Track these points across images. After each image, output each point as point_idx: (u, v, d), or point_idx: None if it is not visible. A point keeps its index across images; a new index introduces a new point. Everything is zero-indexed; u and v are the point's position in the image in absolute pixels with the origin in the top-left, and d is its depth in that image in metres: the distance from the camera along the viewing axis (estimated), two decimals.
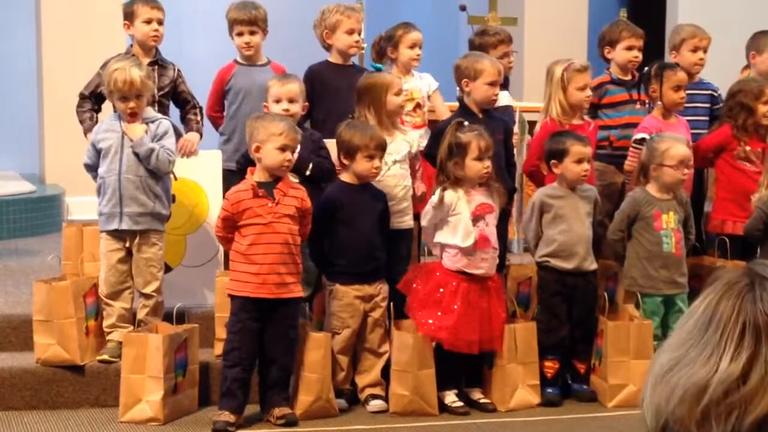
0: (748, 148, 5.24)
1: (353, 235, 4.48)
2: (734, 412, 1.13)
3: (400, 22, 5.34)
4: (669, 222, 4.81)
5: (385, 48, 5.26)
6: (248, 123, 4.37)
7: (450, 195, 4.45)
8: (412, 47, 5.20)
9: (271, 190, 4.26)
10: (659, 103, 5.17)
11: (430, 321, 4.43)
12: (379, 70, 5.03)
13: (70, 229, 5.02)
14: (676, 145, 4.77)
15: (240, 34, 5.11)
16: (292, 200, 4.30)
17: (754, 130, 5.26)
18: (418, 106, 5.20)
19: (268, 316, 4.24)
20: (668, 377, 1.19)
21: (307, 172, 4.57)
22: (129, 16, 4.97)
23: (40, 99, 7.44)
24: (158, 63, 4.96)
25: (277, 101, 4.62)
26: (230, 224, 4.29)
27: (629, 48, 5.39)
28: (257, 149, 4.24)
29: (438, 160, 4.51)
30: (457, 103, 5.15)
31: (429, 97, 5.34)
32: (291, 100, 4.63)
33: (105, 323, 4.57)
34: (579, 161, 4.65)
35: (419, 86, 5.26)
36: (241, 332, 4.22)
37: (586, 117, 5.11)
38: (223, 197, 4.86)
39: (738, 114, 5.25)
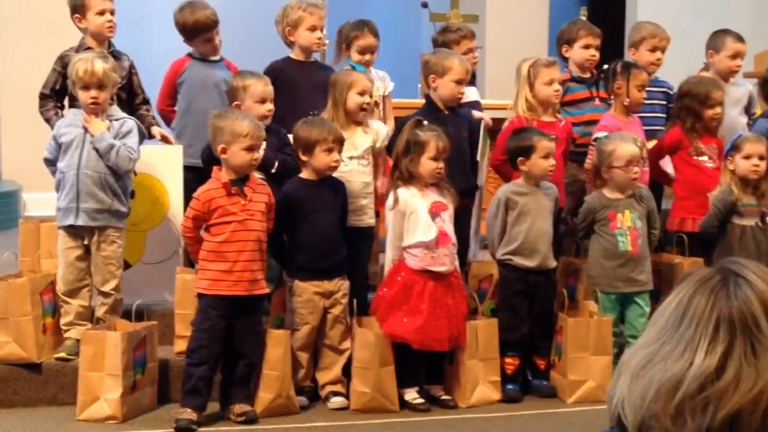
0: (701, 144, 5.30)
1: (312, 232, 4.47)
2: (709, 407, 1.13)
3: (359, 21, 5.29)
4: (624, 221, 4.84)
5: (339, 43, 5.26)
6: (211, 122, 4.34)
7: (404, 192, 4.46)
8: (362, 53, 5.18)
9: (242, 187, 4.25)
10: (627, 100, 5.19)
11: (400, 322, 4.42)
12: (354, 69, 5.00)
13: (27, 225, 4.96)
14: (621, 146, 4.79)
15: (209, 40, 5.11)
16: (262, 196, 4.30)
17: (704, 130, 5.32)
18: (375, 104, 5.19)
19: (237, 312, 4.23)
20: (643, 373, 1.19)
21: (273, 170, 4.55)
22: (80, 8, 4.90)
23: None
24: (113, 55, 4.91)
25: (263, 101, 4.61)
26: (200, 224, 4.27)
27: (586, 47, 5.43)
28: (223, 150, 4.22)
29: (393, 155, 4.52)
30: (417, 100, 5.14)
31: (383, 97, 5.33)
32: (272, 101, 4.66)
33: (62, 321, 4.52)
34: (546, 156, 4.66)
35: (376, 85, 5.25)
36: (210, 330, 4.20)
37: (558, 115, 5.12)
38: (184, 193, 4.86)
39: (686, 117, 5.31)
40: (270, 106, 4.63)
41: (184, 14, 5.14)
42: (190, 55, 5.20)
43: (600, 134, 5.05)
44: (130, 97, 5.03)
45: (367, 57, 5.18)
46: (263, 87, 4.64)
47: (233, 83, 4.71)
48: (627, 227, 4.83)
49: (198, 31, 5.12)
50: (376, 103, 5.14)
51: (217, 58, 5.21)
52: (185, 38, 5.19)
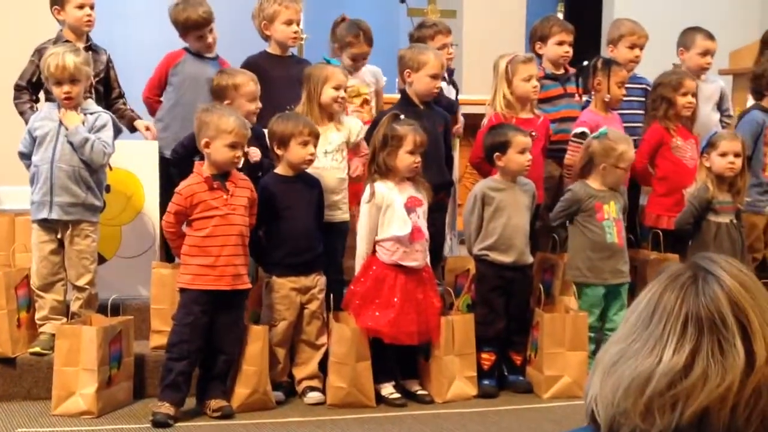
0: (679, 140, 5.33)
1: (289, 227, 4.46)
2: (678, 404, 1.14)
3: (353, 23, 5.25)
4: (610, 212, 4.87)
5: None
6: (198, 115, 4.32)
7: (380, 186, 4.46)
8: (354, 59, 5.16)
9: (224, 182, 4.24)
10: (607, 96, 5.21)
11: (373, 316, 4.42)
12: (329, 63, 4.99)
13: (2, 219, 4.94)
14: (630, 149, 4.89)
15: (201, 38, 5.09)
16: (244, 191, 4.29)
17: (678, 118, 5.35)
18: (366, 101, 5.17)
19: (220, 307, 4.22)
20: (614, 369, 1.20)
21: (260, 173, 4.54)
22: (59, 1, 4.87)
23: None
24: (91, 48, 4.88)
25: (253, 99, 4.63)
26: (182, 219, 4.25)
27: (560, 43, 5.45)
28: (207, 144, 4.21)
29: (371, 149, 4.52)
30: (395, 95, 5.14)
31: (375, 92, 5.32)
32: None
33: (37, 315, 4.50)
34: (522, 151, 4.68)
35: (367, 81, 5.24)
36: (192, 325, 4.18)
37: (536, 111, 5.13)
38: (160, 186, 4.84)
39: (659, 106, 5.35)
40: (259, 104, 4.63)
41: (177, 10, 5.11)
42: (186, 49, 5.17)
43: (580, 129, 5.06)
44: (107, 91, 5.00)
45: (359, 63, 5.17)
46: (255, 85, 4.64)
47: (221, 81, 4.65)
48: (613, 218, 4.87)
49: (189, 28, 5.09)
50: (366, 101, 5.13)
51: (212, 55, 5.19)
52: (179, 34, 5.16)
